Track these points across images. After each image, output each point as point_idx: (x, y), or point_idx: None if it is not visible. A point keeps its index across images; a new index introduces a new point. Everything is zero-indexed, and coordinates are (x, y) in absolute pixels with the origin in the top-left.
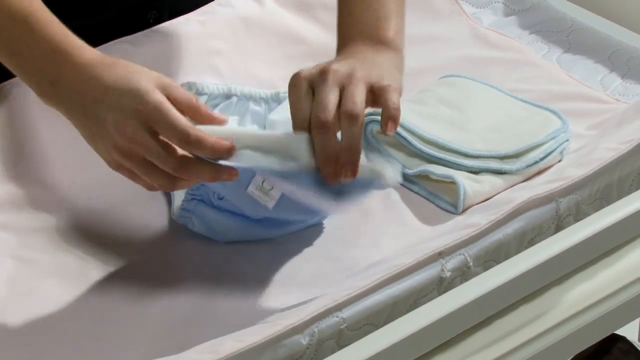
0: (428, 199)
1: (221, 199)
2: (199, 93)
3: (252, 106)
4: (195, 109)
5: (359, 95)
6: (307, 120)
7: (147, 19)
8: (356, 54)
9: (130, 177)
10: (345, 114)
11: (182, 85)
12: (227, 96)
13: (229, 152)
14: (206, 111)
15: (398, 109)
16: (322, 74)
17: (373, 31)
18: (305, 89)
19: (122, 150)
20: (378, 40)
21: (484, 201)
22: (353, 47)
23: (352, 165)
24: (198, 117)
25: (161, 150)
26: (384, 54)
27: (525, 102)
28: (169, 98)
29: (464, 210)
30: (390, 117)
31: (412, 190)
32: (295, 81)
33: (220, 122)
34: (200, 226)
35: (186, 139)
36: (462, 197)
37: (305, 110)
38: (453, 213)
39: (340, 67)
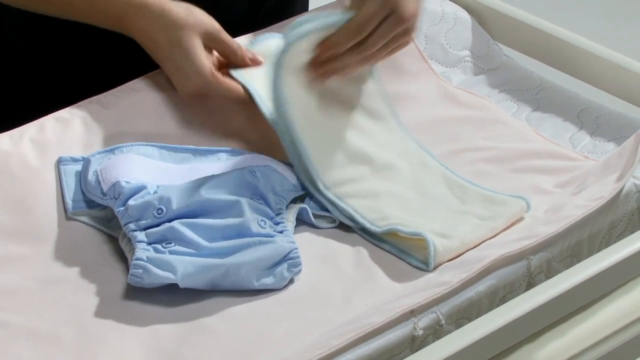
0: (399, 257)
1: (170, 243)
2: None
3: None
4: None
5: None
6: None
7: None
8: None
9: None
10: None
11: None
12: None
13: None
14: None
15: None
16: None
17: None
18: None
19: None
20: None
21: (454, 258)
22: None
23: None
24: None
25: None
26: None
27: (491, 191)
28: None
29: (435, 267)
30: None
31: (382, 249)
32: None
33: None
34: (156, 276)
35: None
36: (432, 253)
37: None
38: (425, 270)
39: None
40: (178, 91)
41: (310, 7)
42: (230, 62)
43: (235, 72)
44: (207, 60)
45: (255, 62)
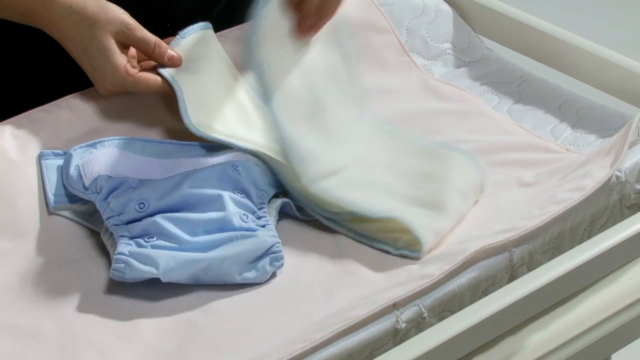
0: (365, 244)
1: (152, 238)
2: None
3: None
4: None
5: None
6: None
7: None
8: None
9: None
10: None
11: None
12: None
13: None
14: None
15: None
16: None
17: None
18: None
19: None
20: None
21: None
22: None
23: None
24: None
25: None
26: None
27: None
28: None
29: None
30: None
31: (360, 242)
32: None
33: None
34: (138, 270)
35: None
36: (422, 240)
37: None
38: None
39: None
40: (97, 90)
41: None
42: (148, 58)
43: (163, 71)
44: (121, 58)
45: (172, 62)
